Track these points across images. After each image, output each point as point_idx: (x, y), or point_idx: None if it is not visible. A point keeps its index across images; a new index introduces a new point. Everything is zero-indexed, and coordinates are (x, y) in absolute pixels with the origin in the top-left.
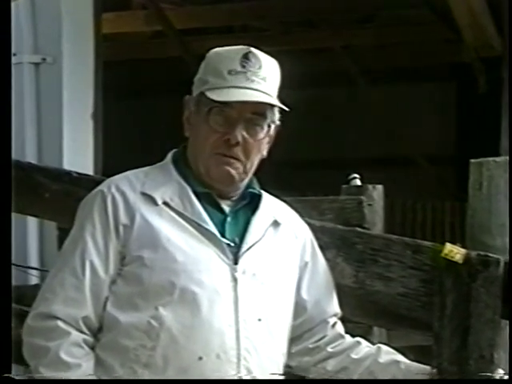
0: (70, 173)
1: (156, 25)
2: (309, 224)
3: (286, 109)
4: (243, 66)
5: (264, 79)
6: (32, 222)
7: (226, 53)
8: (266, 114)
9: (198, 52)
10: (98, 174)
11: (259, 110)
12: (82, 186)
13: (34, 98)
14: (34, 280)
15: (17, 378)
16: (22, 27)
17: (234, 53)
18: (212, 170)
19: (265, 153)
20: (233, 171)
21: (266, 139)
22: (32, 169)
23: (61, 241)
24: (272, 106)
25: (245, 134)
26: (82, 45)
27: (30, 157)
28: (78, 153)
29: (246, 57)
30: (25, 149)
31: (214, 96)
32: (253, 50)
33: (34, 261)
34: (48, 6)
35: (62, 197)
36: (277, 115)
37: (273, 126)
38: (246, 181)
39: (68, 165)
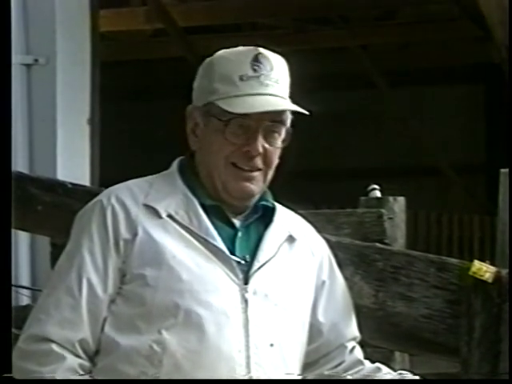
0: (64, 184)
1: (157, 22)
2: (324, 239)
3: (307, 113)
4: (255, 70)
5: (277, 81)
6: (23, 237)
7: (233, 56)
8: (285, 121)
9: (202, 52)
10: (95, 184)
11: (278, 118)
12: (77, 197)
13: (26, 102)
14: (25, 300)
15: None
16: (12, 25)
17: (242, 56)
18: (231, 186)
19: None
20: (253, 186)
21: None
22: (23, 179)
23: (54, 258)
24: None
25: (264, 143)
26: (77, 44)
27: (21, 166)
28: (73, 162)
29: (256, 59)
30: (15, 158)
31: (230, 107)
32: (262, 50)
33: (24, 279)
34: (41, 2)
35: (55, 210)
36: (290, 118)
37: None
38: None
39: (62, 175)
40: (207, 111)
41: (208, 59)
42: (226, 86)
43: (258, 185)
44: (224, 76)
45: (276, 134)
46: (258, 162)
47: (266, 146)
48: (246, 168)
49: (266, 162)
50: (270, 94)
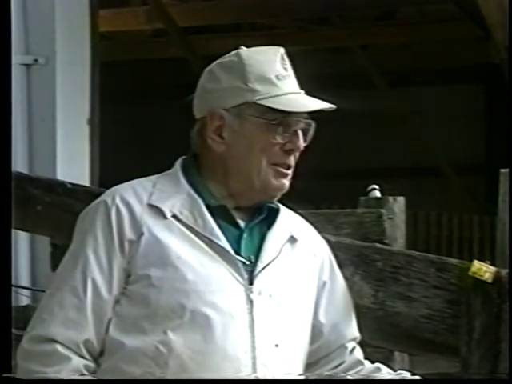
0: (63, 184)
1: (157, 22)
2: (324, 239)
3: (334, 106)
4: (285, 69)
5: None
6: (23, 238)
7: (261, 56)
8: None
9: (202, 52)
10: (95, 184)
11: (311, 117)
12: (77, 197)
13: (25, 102)
14: (24, 300)
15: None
16: (12, 25)
17: (271, 55)
18: (272, 184)
19: None
20: (288, 183)
21: None
22: (22, 179)
23: (54, 258)
24: None
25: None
26: (77, 44)
27: (21, 166)
28: (72, 162)
29: (283, 58)
30: (15, 158)
31: (280, 106)
32: (282, 49)
33: (24, 280)
34: (41, 2)
35: (55, 210)
36: None
37: None
38: None
39: (62, 175)
40: (242, 111)
41: (231, 59)
42: (265, 85)
43: (289, 182)
44: (260, 76)
45: (309, 134)
46: (293, 159)
47: (302, 144)
48: (285, 166)
49: (295, 160)
50: (304, 93)
